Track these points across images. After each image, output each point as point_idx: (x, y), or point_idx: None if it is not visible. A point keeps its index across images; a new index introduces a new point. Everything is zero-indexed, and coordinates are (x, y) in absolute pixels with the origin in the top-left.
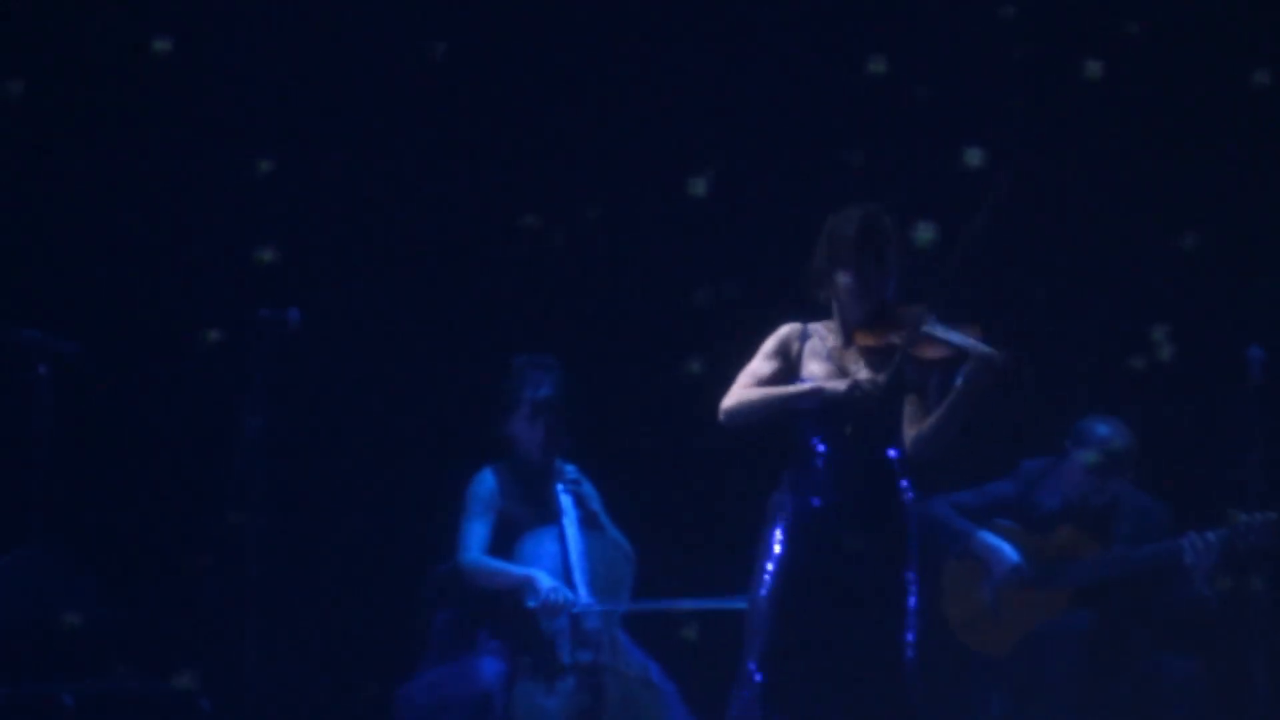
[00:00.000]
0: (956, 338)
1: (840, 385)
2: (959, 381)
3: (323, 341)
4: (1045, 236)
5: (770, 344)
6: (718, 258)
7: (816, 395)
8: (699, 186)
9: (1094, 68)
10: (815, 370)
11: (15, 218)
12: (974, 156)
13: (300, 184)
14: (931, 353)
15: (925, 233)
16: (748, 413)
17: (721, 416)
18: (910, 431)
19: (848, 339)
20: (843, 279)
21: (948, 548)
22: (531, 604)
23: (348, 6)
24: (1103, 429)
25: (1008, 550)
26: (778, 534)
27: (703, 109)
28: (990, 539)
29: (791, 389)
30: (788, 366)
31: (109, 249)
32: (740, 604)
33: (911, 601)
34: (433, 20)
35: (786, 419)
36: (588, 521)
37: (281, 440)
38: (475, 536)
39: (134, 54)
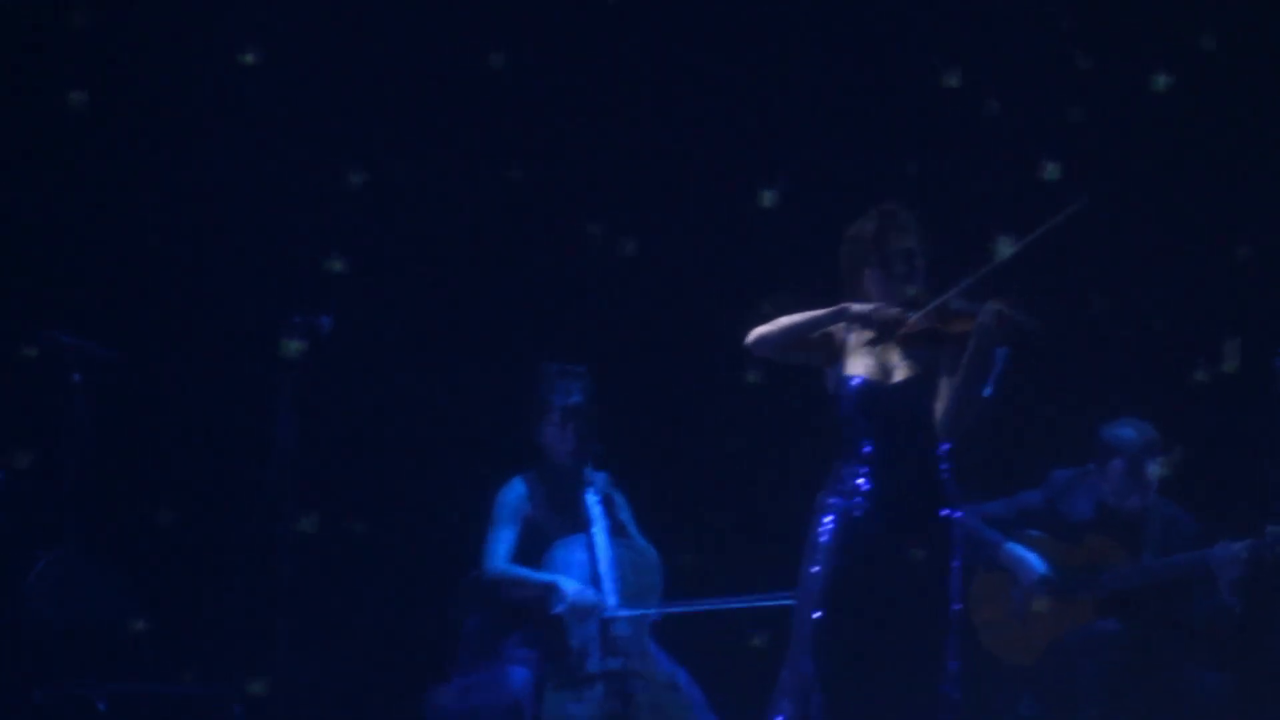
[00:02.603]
0: (978, 306)
1: (866, 307)
2: (971, 341)
3: (356, 348)
4: (1083, 243)
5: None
6: (751, 268)
7: (843, 314)
8: (768, 198)
9: (1161, 80)
10: (857, 365)
11: (52, 225)
12: (1053, 171)
13: (334, 191)
14: (959, 326)
15: (1005, 246)
16: (777, 335)
17: (750, 339)
18: (942, 402)
19: (882, 338)
20: (870, 278)
21: (976, 558)
22: (559, 609)
23: (405, 14)
24: (1128, 430)
25: (1036, 560)
26: (822, 533)
27: (762, 120)
28: (1018, 549)
29: (819, 311)
30: (830, 346)
31: (144, 256)
32: (768, 602)
33: (956, 602)
34: (488, 30)
35: (834, 406)
36: (616, 529)
37: (314, 446)
38: (501, 545)
39: (172, 63)
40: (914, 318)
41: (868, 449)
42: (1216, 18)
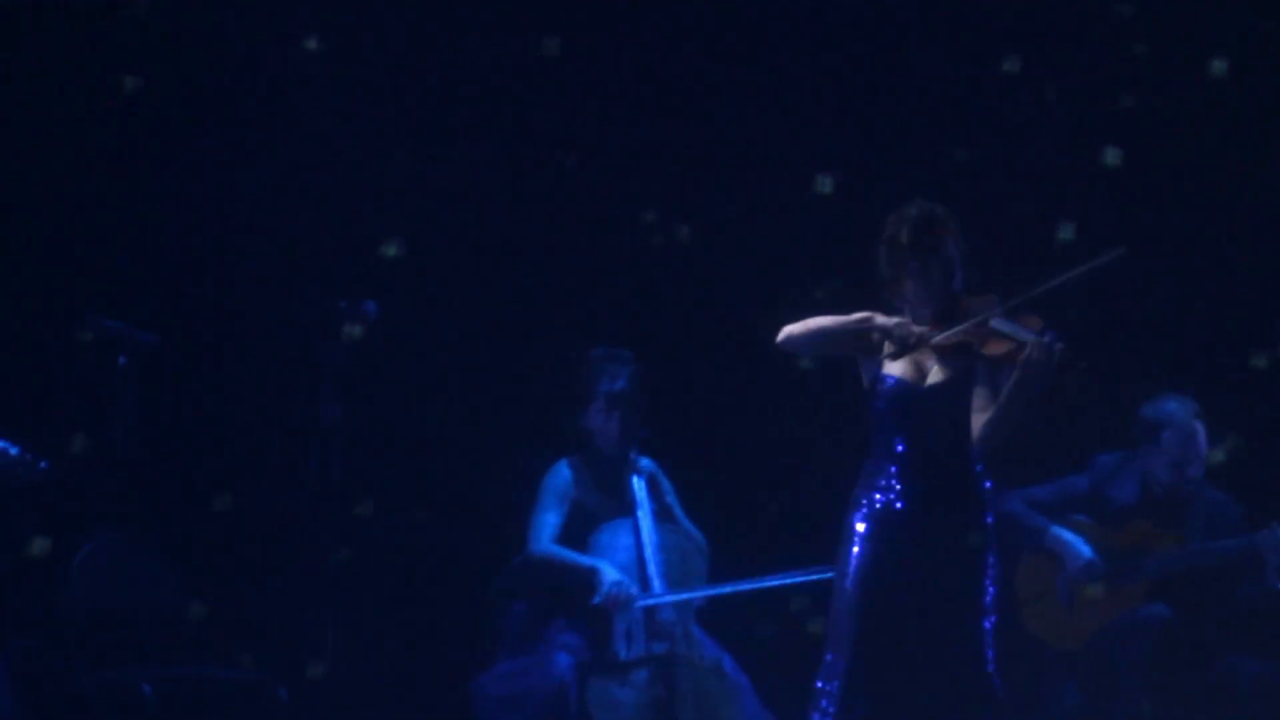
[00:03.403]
0: (1021, 331)
1: (889, 321)
2: (1016, 372)
3: (402, 332)
4: (1137, 229)
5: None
6: (803, 255)
7: (868, 323)
8: (826, 184)
9: (1219, 66)
10: (893, 366)
11: (95, 209)
12: (1113, 156)
13: (376, 175)
14: (996, 348)
15: (1065, 233)
16: (806, 335)
17: (780, 338)
18: (977, 421)
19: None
20: (906, 283)
21: (1022, 543)
22: (596, 599)
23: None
24: (1171, 403)
25: (1081, 545)
26: (858, 530)
27: (816, 106)
28: (1064, 534)
29: (847, 317)
30: (866, 340)
31: (188, 240)
32: (809, 577)
33: (990, 593)
34: (542, 15)
35: (868, 412)
36: (662, 514)
37: (360, 431)
38: (546, 527)
39: (223, 48)
40: (938, 338)
41: (900, 448)
42: (1274, 2)
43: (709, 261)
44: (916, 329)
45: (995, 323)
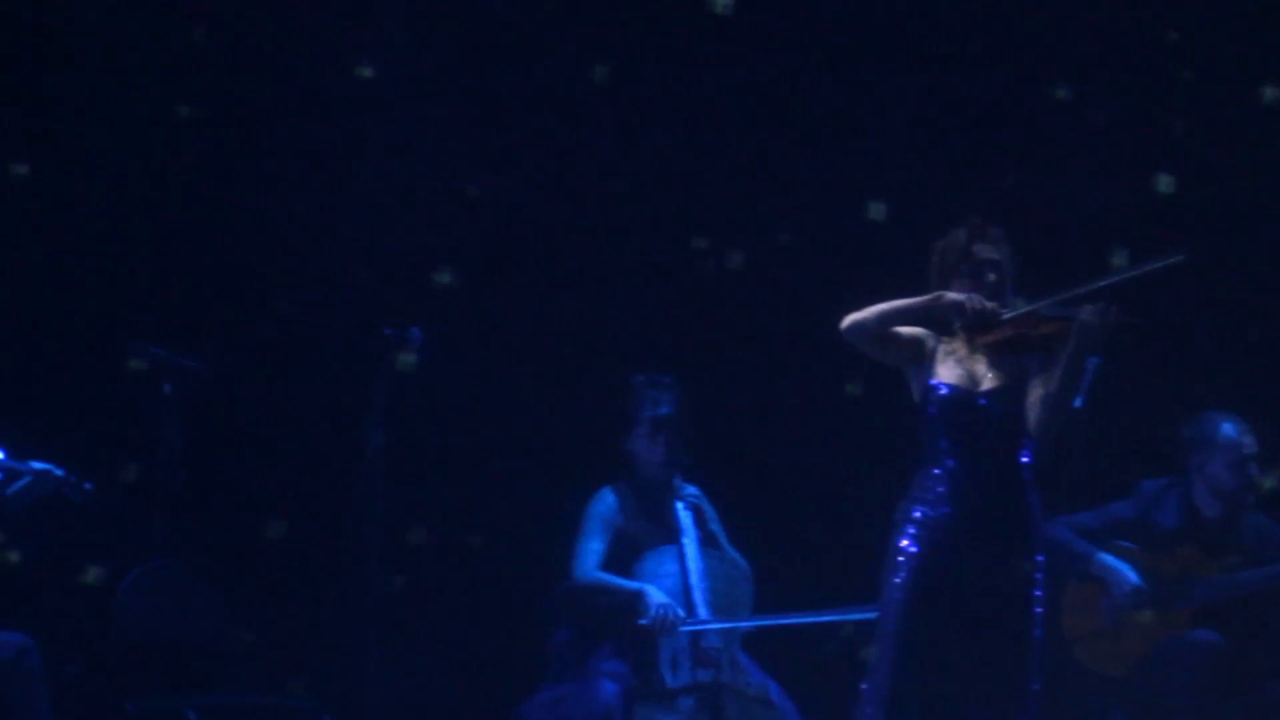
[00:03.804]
0: (1069, 311)
1: (961, 296)
2: (1073, 340)
3: (445, 359)
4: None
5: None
6: (851, 281)
7: (938, 301)
8: (878, 211)
9: (1271, 93)
10: (945, 374)
11: (142, 237)
12: (1166, 183)
13: (421, 202)
14: (1046, 328)
15: (1119, 259)
16: (873, 321)
17: (844, 324)
18: (1035, 410)
19: (972, 347)
20: (958, 287)
21: (1068, 569)
22: (644, 620)
23: (509, 28)
24: (1217, 424)
25: (1128, 571)
26: (905, 544)
27: (867, 133)
28: (1110, 560)
29: (914, 299)
30: (919, 349)
31: (234, 267)
32: (857, 616)
33: (1039, 609)
34: (591, 43)
35: (918, 421)
36: (707, 540)
37: (403, 457)
38: (591, 554)
39: (265, 79)
40: (1008, 315)
41: (951, 460)
42: None
43: (759, 287)
44: (989, 304)
45: (1046, 310)
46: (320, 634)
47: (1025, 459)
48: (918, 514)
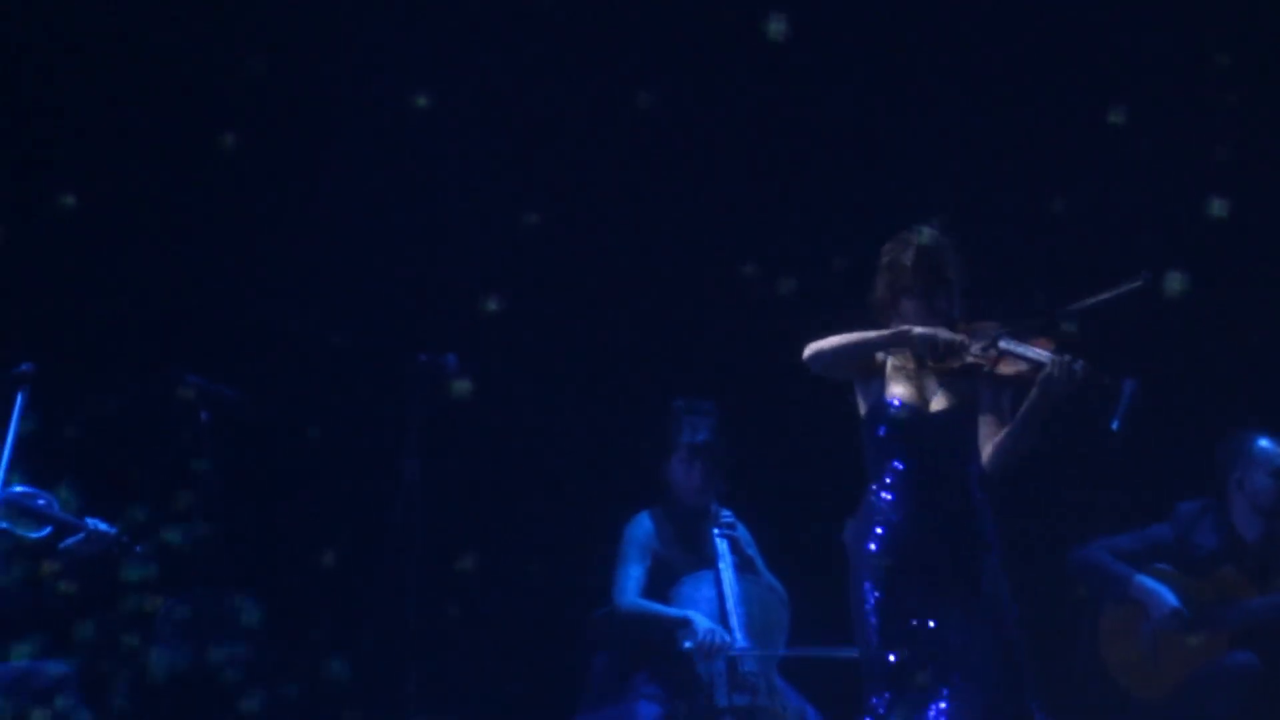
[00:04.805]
0: (1032, 352)
1: (928, 331)
2: (1035, 391)
3: (481, 386)
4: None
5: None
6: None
7: (903, 337)
8: (925, 236)
9: None
10: (898, 390)
11: (178, 265)
12: (1219, 207)
13: (457, 228)
14: (1007, 368)
15: (1174, 283)
16: (835, 352)
17: (807, 353)
18: (987, 447)
19: (922, 364)
20: (908, 306)
21: (1107, 592)
22: (688, 645)
23: (553, 54)
24: (1253, 443)
25: (1167, 594)
26: (876, 534)
27: (915, 159)
28: (1149, 583)
29: (878, 332)
30: (869, 364)
31: (270, 295)
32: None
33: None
34: (636, 69)
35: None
36: (743, 565)
37: (439, 484)
38: (631, 579)
39: (315, 107)
40: (974, 347)
41: (900, 466)
42: None
43: (806, 314)
44: (957, 337)
45: (1004, 343)
46: (358, 659)
47: (976, 475)
48: (876, 535)
